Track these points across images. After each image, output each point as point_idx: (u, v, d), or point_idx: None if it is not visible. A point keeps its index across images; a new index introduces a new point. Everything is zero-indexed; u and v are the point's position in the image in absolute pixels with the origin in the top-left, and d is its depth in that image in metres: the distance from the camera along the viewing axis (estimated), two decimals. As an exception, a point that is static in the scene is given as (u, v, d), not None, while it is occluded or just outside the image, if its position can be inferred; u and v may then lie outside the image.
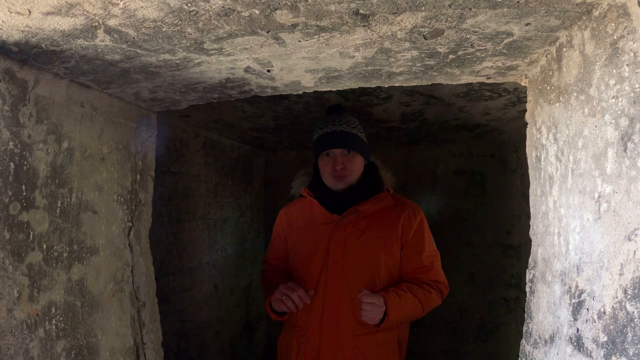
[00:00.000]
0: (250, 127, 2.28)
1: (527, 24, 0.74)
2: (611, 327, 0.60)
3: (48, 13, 0.62)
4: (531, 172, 0.98)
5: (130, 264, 1.08)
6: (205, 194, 2.35)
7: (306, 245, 1.64)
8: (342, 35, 0.76)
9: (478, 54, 0.88)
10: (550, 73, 0.87)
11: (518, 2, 0.65)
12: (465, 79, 1.03)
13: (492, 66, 0.96)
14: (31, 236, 0.81)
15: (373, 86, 1.06)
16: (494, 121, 2.33)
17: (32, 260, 0.81)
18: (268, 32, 0.73)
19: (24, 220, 0.80)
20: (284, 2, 0.63)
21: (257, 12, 0.66)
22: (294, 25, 0.71)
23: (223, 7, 0.63)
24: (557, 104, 0.84)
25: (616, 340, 0.58)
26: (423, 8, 0.66)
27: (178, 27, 0.70)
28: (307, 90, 1.07)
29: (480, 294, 2.79)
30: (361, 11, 0.66)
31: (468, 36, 0.79)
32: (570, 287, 0.74)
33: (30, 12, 0.61)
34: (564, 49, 0.79)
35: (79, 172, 0.93)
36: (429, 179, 3.02)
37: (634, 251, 0.56)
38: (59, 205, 0.88)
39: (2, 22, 0.63)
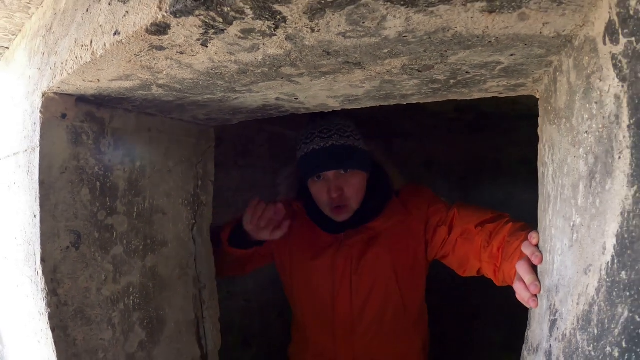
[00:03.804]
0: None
1: (511, 55, 0.77)
2: (567, 350, 0.64)
3: (112, 80, 0.84)
4: (539, 187, 0.99)
5: (194, 254, 1.33)
6: (271, 184, 2.59)
7: (309, 274, 1.45)
8: (344, 75, 0.89)
9: (477, 77, 0.94)
10: (550, 94, 0.88)
11: (490, 42, 0.70)
12: (477, 95, 1.09)
13: (498, 85, 1.01)
14: (114, 235, 1.08)
15: (392, 104, 1.17)
16: (554, 112, 2.26)
17: (116, 253, 1.08)
18: (282, 78, 0.89)
19: (109, 224, 1.06)
20: (285, 61, 0.78)
21: (266, 69, 0.82)
22: (301, 74, 0.86)
23: (239, 69, 0.81)
24: (554, 126, 0.85)
25: (568, 364, 0.63)
26: (402, 55, 0.77)
27: (211, 81, 0.89)
28: (335, 109, 1.21)
29: (542, 286, 2.74)
30: (349, 61, 0.80)
31: (459, 67, 0.85)
32: (551, 305, 0.77)
33: (99, 80, 0.84)
34: (558, 73, 0.80)
35: (150, 184, 1.18)
36: (492, 168, 2.99)
37: (587, 285, 0.60)
38: (135, 210, 1.14)
39: (79, 86, 0.87)
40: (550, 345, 0.73)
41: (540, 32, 0.66)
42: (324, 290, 1.44)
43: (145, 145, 1.16)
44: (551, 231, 0.83)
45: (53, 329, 0.90)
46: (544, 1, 0.57)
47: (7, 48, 1.29)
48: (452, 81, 0.96)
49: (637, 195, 0.49)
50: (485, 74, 0.91)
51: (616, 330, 0.52)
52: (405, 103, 1.17)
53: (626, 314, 0.50)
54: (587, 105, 0.62)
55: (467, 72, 0.90)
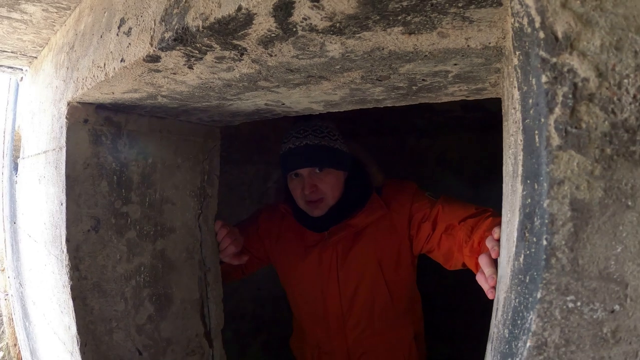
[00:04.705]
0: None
1: (455, 64, 0.81)
2: (497, 334, 0.69)
3: (124, 92, 1.02)
4: None
5: (200, 240, 1.50)
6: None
7: (300, 273, 1.56)
8: (314, 85, 1.03)
9: (436, 84, 1.00)
10: (503, 98, 0.91)
11: (426, 55, 0.78)
12: (446, 98, 1.18)
13: (460, 89, 1.09)
14: (129, 221, 1.27)
15: (371, 107, 1.30)
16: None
17: (129, 236, 1.26)
18: (262, 89, 1.05)
19: (124, 211, 1.25)
20: (259, 77, 0.94)
21: (246, 83, 0.98)
22: (276, 86, 1.01)
23: (223, 84, 0.97)
24: (504, 128, 0.94)
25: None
26: (354, 69, 0.89)
27: (204, 92, 1.05)
28: (321, 112, 1.35)
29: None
30: (312, 75, 0.94)
31: (413, 76, 0.91)
32: (498, 294, 0.82)
33: (113, 93, 1.02)
34: (503, 79, 0.85)
35: (160, 178, 1.37)
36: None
37: (508, 275, 0.63)
38: (147, 200, 1.33)
39: (98, 97, 1.06)
40: (493, 332, 0.77)
41: (468, 46, 0.72)
42: (314, 286, 1.55)
43: (156, 144, 1.34)
44: (503, 226, 0.88)
45: (74, 299, 1.10)
46: (455, 21, 0.66)
47: (36, 57, 1.52)
48: (414, 87, 1.07)
49: (524, 192, 0.56)
50: (442, 81, 0.99)
51: (509, 314, 0.59)
52: (382, 106, 1.29)
53: (514, 299, 0.57)
54: (512, 110, 0.66)
55: (423, 80, 0.99)
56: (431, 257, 1.50)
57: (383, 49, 0.78)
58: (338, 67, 0.87)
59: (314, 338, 1.63)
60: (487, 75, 0.92)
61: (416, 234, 1.48)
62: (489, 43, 0.72)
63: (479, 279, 0.98)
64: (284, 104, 1.24)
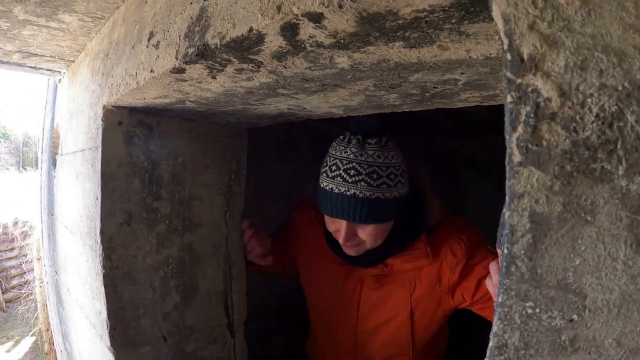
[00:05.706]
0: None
1: (462, 73, 0.80)
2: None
3: (154, 98, 1.11)
4: None
5: (225, 235, 1.59)
6: (314, 179, 2.81)
7: (320, 290, 1.51)
8: (331, 92, 1.08)
9: (447, 91, 1.01)
10: None
11: (431, 66, 0.79)
12: (460, 104, 1.20)
13: (473, 96, 1.08)
14: (159, 216, 1.36)
15: (389, 112, 1.34)
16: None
17: (159, 230, 1.36)
18: (282, 95, 1.11)
19: (155, 206, 1.35)
20: (277, 85, 1.00)
21: (266, 91, 1.04)
22: (295, 92, 1.07)
23: (245, 91, 1.04)
24: None
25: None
26: (365, 78, 0.93)
27: (229, 99, 1.13)
28: (341, 116, 1.40)
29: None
30: (326, 84, 0.99)
31: (423, 84, 0.89)
32: None
33: (145, 98, 1.11)
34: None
35: (190, 176, 1.46)
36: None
37: None
38: (176, 197, 1.42)
39: (130, 102, 1.15)
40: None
41: (470, 57, 0.73)
42: (330, 306, 1.48)
43: (186, 144, 1.43)
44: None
45: (106, 286, 1.20)
46: (452, 35, 0.68)
47: (73, 61, 1.65)
48: (427, 94, 1.10)
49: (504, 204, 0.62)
50: (453, 88, 0.99)
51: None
52: (399, 111, 1.33)
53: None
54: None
55: (434, 87, 1.01)
56: (480, 314, 1.30)
57: (389, 61, 0.82)
58: (349, 76, 0.92)
59: (324, 350, 1.62)
60: (497, 83, 0.94)
61: (475, 291, 1.27)
62: (490, 54, 0.74)
63: (488, 284, 1.02)
64: (305, 108, 1.30)
